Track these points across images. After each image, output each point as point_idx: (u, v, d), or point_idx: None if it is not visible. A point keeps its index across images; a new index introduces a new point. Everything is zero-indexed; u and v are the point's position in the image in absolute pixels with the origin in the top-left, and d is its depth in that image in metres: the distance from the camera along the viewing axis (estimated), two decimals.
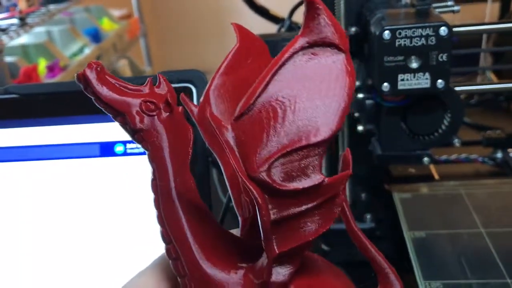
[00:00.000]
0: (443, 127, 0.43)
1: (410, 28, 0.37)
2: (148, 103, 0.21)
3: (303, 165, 0.19)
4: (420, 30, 0.37)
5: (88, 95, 0.21)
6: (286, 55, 0.19)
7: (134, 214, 0.39)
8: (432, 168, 0.57)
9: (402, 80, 0.39)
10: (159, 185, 0.21)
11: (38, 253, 0.40)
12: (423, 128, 0.43)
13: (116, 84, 0.20)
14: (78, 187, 0.41)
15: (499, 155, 0.64)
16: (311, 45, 0.19)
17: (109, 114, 0.21)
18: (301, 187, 0.19)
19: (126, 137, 0.41)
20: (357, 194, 0.54)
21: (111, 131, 0.41)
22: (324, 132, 0.19)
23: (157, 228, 0.23)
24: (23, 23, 1.20)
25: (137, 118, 0.21)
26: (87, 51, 1.50)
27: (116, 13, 1.83)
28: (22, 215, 0.41)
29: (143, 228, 0.38)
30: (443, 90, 0.39)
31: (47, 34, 1.46)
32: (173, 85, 0.39)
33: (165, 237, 0.21)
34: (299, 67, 0.19)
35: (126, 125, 0.21)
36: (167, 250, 0.21)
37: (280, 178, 0.19)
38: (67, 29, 1.52)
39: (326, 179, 0.19)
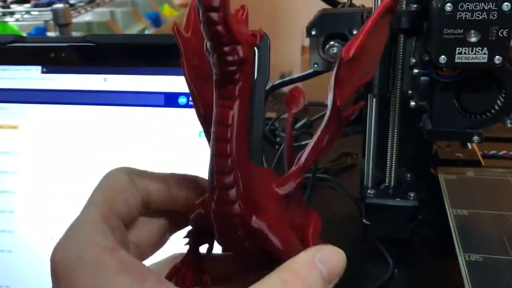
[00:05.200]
0: (496, 107, 0.44)
1: (472, 2, 0.38)
2: (252, 36, 0.22)
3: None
4: (482, 3, 0.38)
5: (208, 17, 0.20)
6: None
7: (190, 163, 0.42)
8: (480, 156, 0.57)
9: (460, 53, 0.40)
10: (237, 116, 0.22)
11: None
12: (476, 106, 0.44)
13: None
14: (142, 133, 0.44)
15: None
16: None
17: (214, 42, 0.21)
18: None
19: None
20: (403, 173, 0.55)
21: (176, 83, 0.44)
22: None
23: None
24: (91, 0, 1.26)
25: (247, 49, 0.21)
26: (147, 33, 1.55)
27: (177, 0, 1.88)
28: (88, 153, 0.44)
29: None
30: (500, 67, 0.40)
31: (110, 14, 1.53)
32: None
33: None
34: None
35: (234, 55, 0.21)
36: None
37: None
38: (129, 11, 1.58)
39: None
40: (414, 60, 0.48)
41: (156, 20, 1.65)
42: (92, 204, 0.24)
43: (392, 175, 0.54)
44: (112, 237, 0.22)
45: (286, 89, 0.99)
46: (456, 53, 0.40)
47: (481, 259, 0.41)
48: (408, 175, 0.55)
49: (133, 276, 0.20)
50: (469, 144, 0.61)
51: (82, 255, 0.21)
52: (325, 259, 0.23)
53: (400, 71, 0.49)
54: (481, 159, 0.56)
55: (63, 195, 0.44)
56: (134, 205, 0.26)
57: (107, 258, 0.21)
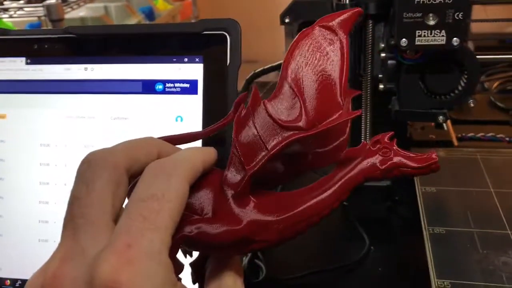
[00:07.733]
0: (459, 87, 0.46)
1: None
2: None
3: None
4: None
5: None
6: None
7: None
8: (453, 136, 0.59)
9: (420, 36, 0.42)
10: None
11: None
12: (440, 87, 0.46)
13: None
14: (121, 119, 0.46)
15: None
16: None
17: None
18: None
19: (166, 76, 0.46)
20: None
21: (152, 71, 0.46)
22: None
23: None
24: None
25: None
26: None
27: None
28: (72, 140, 0.46)
29: None
30: (459, 49, 0.42)
31: (104, 9, 1.54)
32: (208, 32, 0.43)
33: None
34: None
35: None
36: None
37: None
38: (123, 6, 1.60)
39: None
40: (383, 45, 0.50)
41: (150, 14, 1.66)
42: (154, 232, 0.23)
43: None
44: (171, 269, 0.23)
45: (269, 77, 1.00)
46: (416, 36, 0.42)
47: (444, 232, 0.43)
48: None
49: None
50: (444, 125, 0.63)
51: None
52: None
53: (370, 56, 0.51)
54: (454, 140, 0.58)
55: (48, 180, 0.46)
56: None
57: None
